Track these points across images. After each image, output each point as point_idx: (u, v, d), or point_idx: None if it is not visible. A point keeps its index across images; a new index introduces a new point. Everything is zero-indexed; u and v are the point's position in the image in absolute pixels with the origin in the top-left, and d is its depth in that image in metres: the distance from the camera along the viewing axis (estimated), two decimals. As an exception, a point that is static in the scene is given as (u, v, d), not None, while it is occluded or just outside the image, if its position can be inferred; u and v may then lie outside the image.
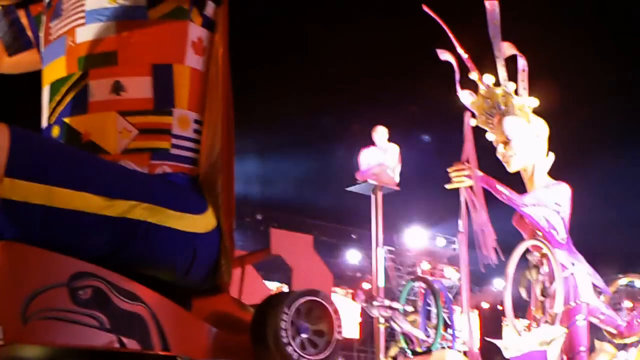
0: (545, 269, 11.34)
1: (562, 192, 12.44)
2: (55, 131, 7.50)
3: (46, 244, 6.04)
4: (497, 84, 12.59)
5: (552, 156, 12.78)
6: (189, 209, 7.28)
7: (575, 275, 11.76)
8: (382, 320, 12.12)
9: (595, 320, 12.32)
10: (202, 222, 7.33)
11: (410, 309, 12.04)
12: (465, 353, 12.80)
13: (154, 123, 7.45)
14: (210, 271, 7.46)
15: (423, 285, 12.73)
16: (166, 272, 7.09)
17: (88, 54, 7.47)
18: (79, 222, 6.43)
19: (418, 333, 11.80)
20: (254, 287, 8.97)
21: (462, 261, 11.95)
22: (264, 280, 9.71)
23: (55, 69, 7.61)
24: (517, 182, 13.02)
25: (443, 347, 13.38)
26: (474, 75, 12.61)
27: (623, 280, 14.31)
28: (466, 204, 11.70)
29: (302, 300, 7.73)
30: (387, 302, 11.77)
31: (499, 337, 13.32)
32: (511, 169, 12.80)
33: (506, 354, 11.38)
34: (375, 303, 11.65)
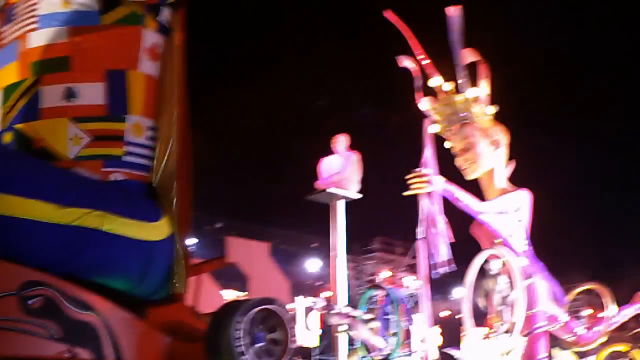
0: (504, 278, 11.30)
1: (522, 199, 12.39)
2: (7, 137, 7.40)
3: (-5, 252, 5.94)
4: (458, 91, 12.54)
5: (512, 163, 12.75)
6: (143, 217, 7.21)
7: (534, 284, 11.72)
8: (340, 328, 12.07)
9: (553, 329, 12.31)
10: (157, 230, 7.28)
11: (369, 316, 11.99)
12: (423, 361, 12.78)
13: (106, 130, 7.39)
14: (164, 279, 7.40)
15: (382, 293, 12.69)
16: (120, 281, 7.03)
17: (40, 59, 7.38)
18: (29, 229, 6.34)
19: (377, 341, 11.75)
20: (210, 296, 8.92)
21: (420, 268, 11.89)
22: (224, 289, 9.68)
23: (7, 74, 7.52)
24: (477, 189, 12.97)
25: (403, 356, 13.34)
26: (434, 81, 12.55)
27: (581, 288, 14.31)
28: (425, 210, 11.64)
29: (257, 308, 7.70)
30: (345, 310, 11.71)
31: (458, 346, 13.32)
32: (470, 176, 12.74)
33: (465, 365, 11.34)
34: (333, 311, 11.59)
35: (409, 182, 11.57)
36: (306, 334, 25.86)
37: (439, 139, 12.80)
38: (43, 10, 7.38)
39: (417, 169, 11.54)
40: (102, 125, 7.45)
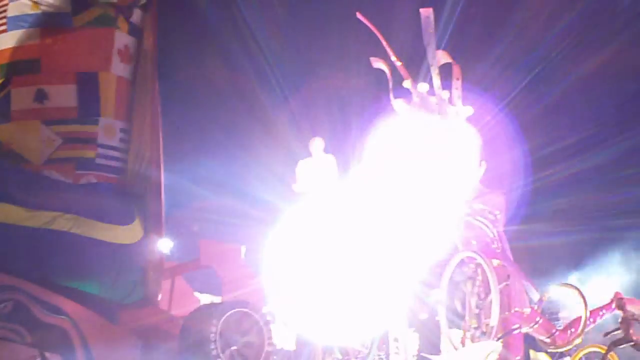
0: (479, 280, 11.24)
1: (496, 201, 12.37)
2: (-22, 140, 7.34)
3: (-37, 256, 5.88)
4: (431, 92, 12.47)
5: (484, 165, 12.71)
6: (115, 220, 7.17)
7: (509, 285, 11.68)
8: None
9: (528, 330, 12.26)
10: (129, 233, 7.23)
11: (345, 319, 11.91)
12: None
13: (78, 132, 7.35)
14: (137, 283, 7.35)
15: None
16: (91, 284, 6.98)
17: (10, 61, 7.32)
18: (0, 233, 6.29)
19: (353, 344, 11.66)
20: (185, 299, 8.87)
21: (397, 270, 11.83)
22: (200, 293, 9.63)
23: (-24, 77, 7.45)
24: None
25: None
26: (407, 83, 12.47)
27: (557, 289, 14.28)
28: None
29: (231, 311, 7.67)
30: (322, 313, 11.62)
31: (437, 348, 13.24)
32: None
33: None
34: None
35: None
36: (285, 337, 25.81)
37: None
38: (12, 12, 7.33)
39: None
40: (74, 128, 7.40)
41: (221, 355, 7.23)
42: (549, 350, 12.69)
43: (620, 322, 13.51)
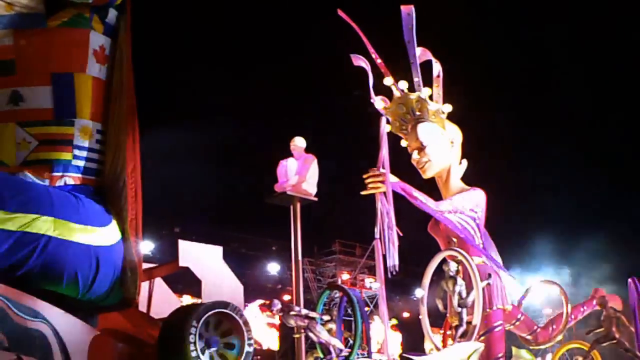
0: (461, 279, 11.23)
1: (478, 198, 12.38)
2: (-48, 143, 7.28)
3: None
4: (412, 89, 12.49)
5: (465, 162, 12.74)
6: (93, 222, 7.12)
7: (491, 283, 11.69)
8: (299, 329, 11.98)
9: (510, 327, 12.30)
10: (106, 235, 7.18)
11: (326, 318, 11.90)
12: (384, 363, 12.72)
13: (54, 134, 7.29)
14: (115, 285, 7.30)
15: (340, 293, 12.61)
16: (69, 287, 6.92)
17: (-16, 63, 7.26)
18: (-25, 237, 6.24)
19: (335, 342, 11.66)
20: (164, 300, 8.84)
21: (378, 267, 11.82)
22: (182, 295, 9.61)
23: (-51, 79, 7.39)
24: (433, 188, 12.94)
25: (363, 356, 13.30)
26: (388, 80, 12.48)
27: (538, 285, 14.34)
28: (381, 210, 11.58)
29: (210, 312, 7.64)
30: (304, 312, 11.61)
31: (421, 346, 13.20)
32: (426, 175, 12.71)
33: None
34: (292, 313, 11.49)
35: (365, 181, 11.51)
36: (268, 337, 25.82)
37: (397, 138, 12.78)
38: (-16, 14, 7.25)
39: (374, 168, 11.48)
40: (50, 130, 7.35)
41: (201, 356, 7.20)
42: (530, 348, 12.71)
43: (603, 320, 13.56)
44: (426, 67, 12.37)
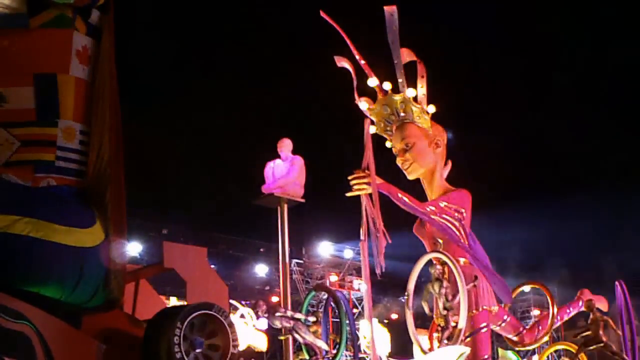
0: (446, 281, 11.18)
1: (463, 199, 12.33)
2: None
3: None
4: (396, 90, 12.45)
5: (450, 163, 12.71)
6: (76, 223, 7.08)
7: (477, 284, 11.66)
8: (284, 331, 11.96)
9: (496, 328, 12.28)
10: (90, 236, 7.14)
11: (313, 319, 11.86)
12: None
13: (37, 135, 7.25)
14: (99, 286, 7.27)
15: (325, 294, 12.58)
16: (52, 288, 6.89)
17: (-35, 63, 7.22)
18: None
19: (320, 344, 11.63)
20: (149, 302, 8.81)
21: (364, 269, 11.78)
22: (168, 297, 9.59)
23: None
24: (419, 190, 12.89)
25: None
26: (372, 81, 12.45)
27: (525, 288, 14.34)
28: (367, 212, 11.54)
29: (195, 314, 7.61)
30: (289, 313, 11.57)
31: (410, 347, 13.15)
32: (411, 176, 12.68)
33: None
34: (277, 314, 11.45)
35: (351, 182, 11.48)
36: (256, 338, 25.74)
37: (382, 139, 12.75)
38: (-33, 14, 7.21)
39: (359, 170, 11.45)
40: (32, 130, 7.31)
41: (185, 358, 7.17)
42: (517, 349, 12.69)
43: (590, 323, 13.55)
44: (411, 68, 12.35)
